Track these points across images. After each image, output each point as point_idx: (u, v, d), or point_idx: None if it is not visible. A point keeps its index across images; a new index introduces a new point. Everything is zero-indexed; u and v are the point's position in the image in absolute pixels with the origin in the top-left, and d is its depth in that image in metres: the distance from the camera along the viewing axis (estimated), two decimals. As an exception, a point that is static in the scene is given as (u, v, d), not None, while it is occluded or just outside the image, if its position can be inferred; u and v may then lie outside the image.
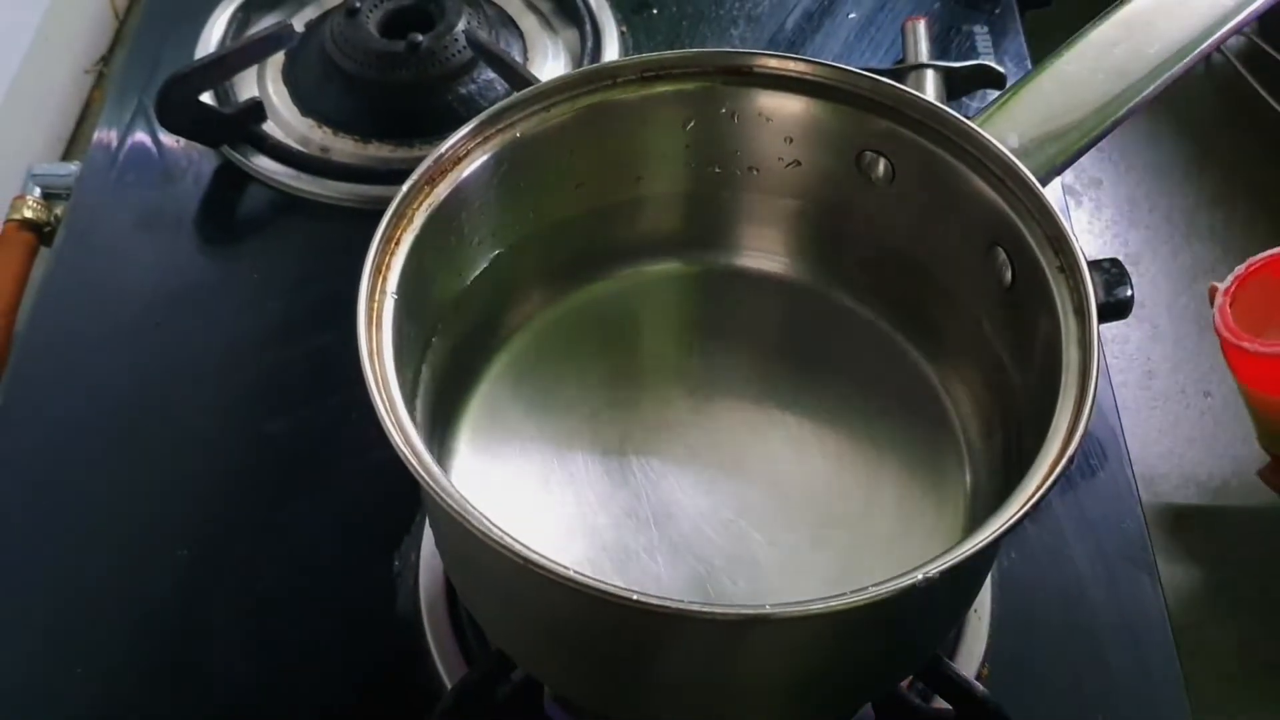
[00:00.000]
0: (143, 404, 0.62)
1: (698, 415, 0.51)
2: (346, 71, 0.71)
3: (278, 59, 0.75)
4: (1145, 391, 0.72)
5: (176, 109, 0.68)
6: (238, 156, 0.71)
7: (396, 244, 0.43)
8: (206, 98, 0.70)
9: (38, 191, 0.73)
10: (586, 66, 0.48)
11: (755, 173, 0.51)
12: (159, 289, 0.66)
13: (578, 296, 0.54)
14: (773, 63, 0.48)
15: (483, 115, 0.46)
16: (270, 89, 0.74)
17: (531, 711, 0.50)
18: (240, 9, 0.77)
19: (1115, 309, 0.65)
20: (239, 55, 0.71)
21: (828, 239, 0.53)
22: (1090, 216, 0.87)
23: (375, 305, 0.41)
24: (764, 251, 0.54)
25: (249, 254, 0.68)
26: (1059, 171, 0.48)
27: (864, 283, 0.53)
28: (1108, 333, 0.68)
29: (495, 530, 0.36)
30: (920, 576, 0.34)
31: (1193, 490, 0.64)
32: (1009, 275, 0.45)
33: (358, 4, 0.72)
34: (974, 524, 0.44)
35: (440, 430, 0.49)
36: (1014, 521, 0.36)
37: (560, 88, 0.48)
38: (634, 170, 0.52)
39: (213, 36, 0.76)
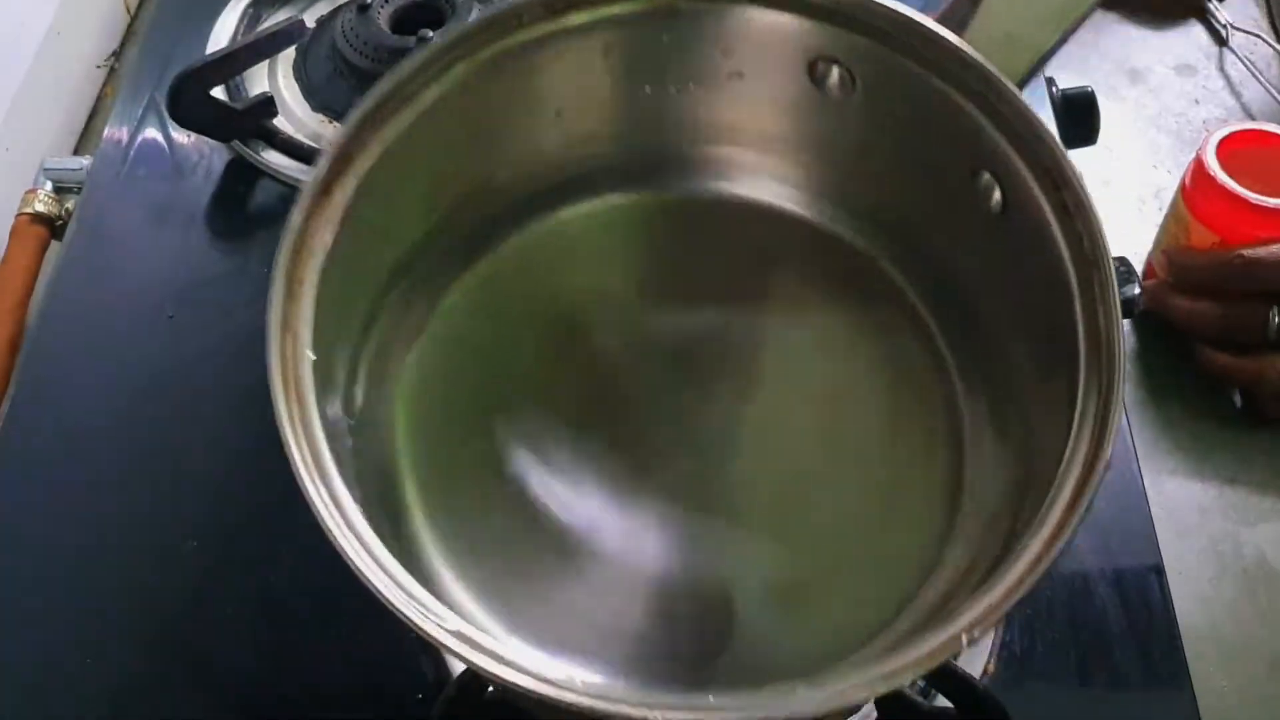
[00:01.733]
0: (153, 396, 0.62)
1: (655, 361, 0.47)
2: (358, 67, 0.71)
3: (289, 54, 0.75)
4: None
5: (188, 104, 0.68)
6: (248, 151, 0.71)
7: (300, 284, 0.38)
8: (218, 93, 0.71)
9: (49, 185, 0.73)
10: (484, 14, 0.42)
11: (692, 87, 0.46)
12: (170, 283, 0.66)
13: (510, 252, 0.49)
14: None
15: (369, 101, 0.41)
16: (281, 84, 0.74)
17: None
18: (251, 5, 0.78)
19: (1123, 307, 0.65)
20: (250, 51, 0.71)
21: (783, 158, 0.48)
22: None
23: (291, 373, 0.37)
24: (714, 176, 0.50)
25: (259, 248, 0.69)
26: (1041, 65, 0.44)
27: (832, 202, 0.48)
28: (1115, 331, 0.68)
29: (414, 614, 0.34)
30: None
31: (1199, 486, 0.64)
32: (997, 198, 0.39)
33: (369, 0, 0.72)
34: (961, 470, 0.42)
35: (384, 467, 0.45)
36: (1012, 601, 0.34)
37: (458, 42, 0.43)
38: (552, 106, 0.46)
39: (224, 32, 0.76)
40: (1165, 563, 0.56)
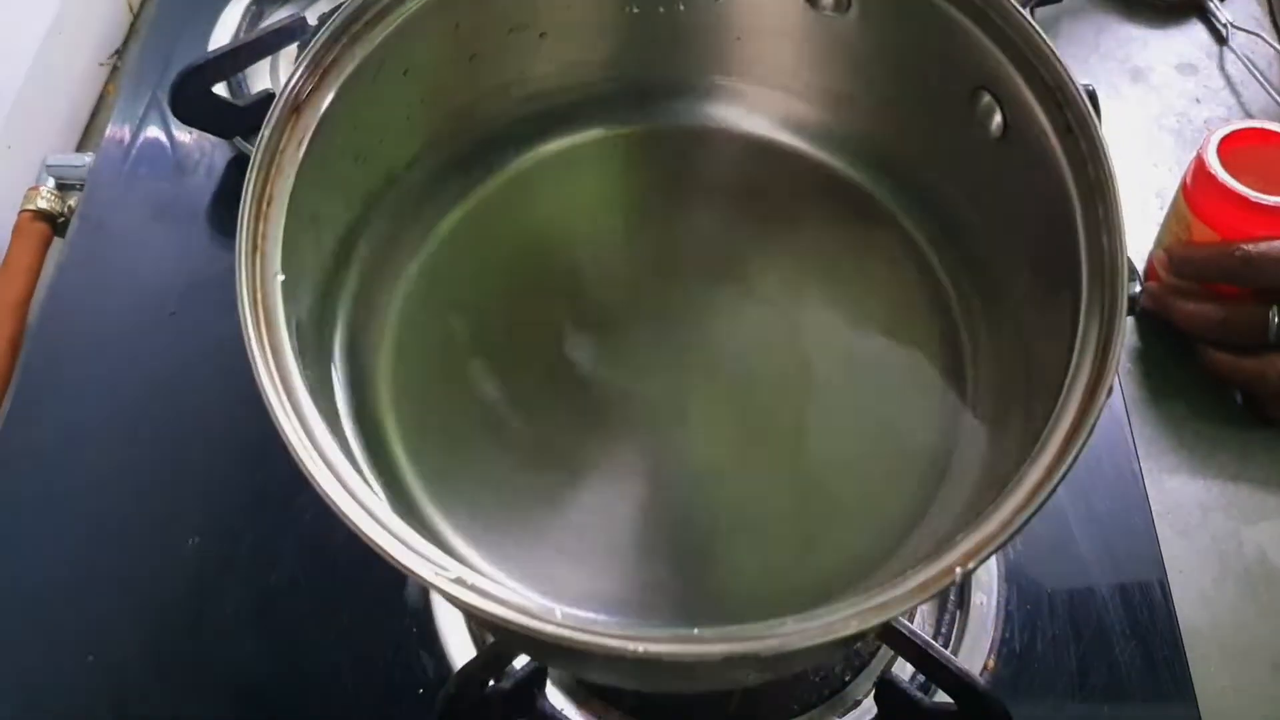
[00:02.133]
0: (156, 393, 0.62)
1: (645, 289, 0.46)
2: (359, 64, 0.71)
3: (291, 51, 0.75)
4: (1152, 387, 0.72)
5: (190, 101, 0.68)
6: (251, 148, 0.70)
7: (269, 203, 0.38)
8: (220, 90, 0.71)
9: (52, 182, 0.74)
10: None
11: (681, 8, 0.44)
12: (172, 279, 0.66)
13: (497, 184, 0.48)
14: None
15: (335, 22, 0.39)
16: (283, 81, 0.74)
17: (536, 697, 0.51)
18: (254, 2, 0.78)
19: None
20: (252, 48, 0.71)
21: (774, 87, 0.46)
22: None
23: (260, 293, 0.37)
24: (705, 105, 0.48)
25: (261, 245, 0.68)
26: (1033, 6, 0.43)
27: (826, 130, 0.46)
28: (1116, 329, 0.68)
29: (417, 563, 0.32)
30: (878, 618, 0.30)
31: (1201, 485, 0.64)
32: (998, 120, 0.37)
33: (371, -3, 0.72)
34: (962, 382, 0.40)
35: (367, 404, 0.44)
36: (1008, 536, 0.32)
37: None
38: (536, 29, 0.44)
39: (226, 29, 0.76)
40: (1166, 561, 0.56)
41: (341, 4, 0.40)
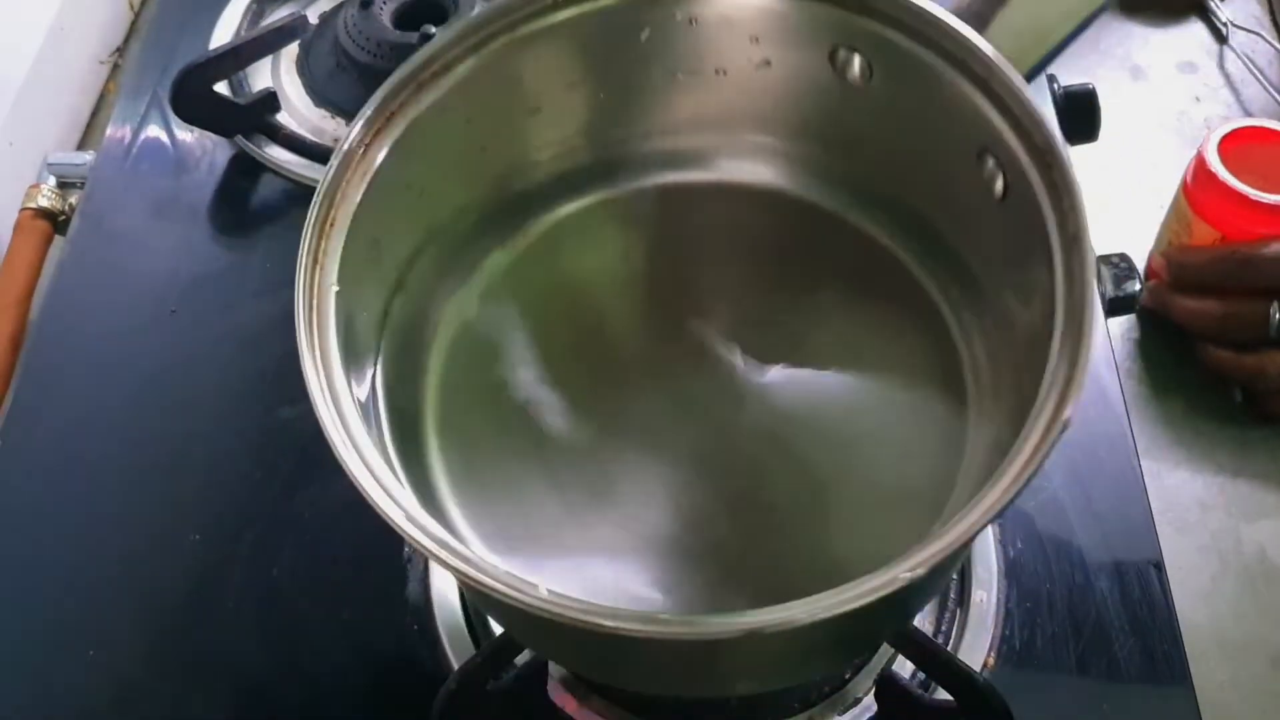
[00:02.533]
0: (157, 390, 0.62)
1: (682, 344, 0.49)
2: (360, 63, 0.72)
3: (292, 50, 0.75)
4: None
5: (191, 99, 0.69)
6: (251, 147, 0.71)
7: (331, 225, 0.41)
8: (221, 88, 0.71)
9: (53, 180, 0.74)
10: None
11: (723, 75, 0.48)
12: (173, 277, 0.67)
13: (545, 232, 0.51)
14: None
15: (406, 69, 0.43)
16: (284, 80, 0.74)
17: (536, 694, 0.51)
18: (255, 0, 0.78)
19: (1124, 303, 0.65)
20: (253, 46, 0.71)
21: (808, 145, 0.50)
22: (1099, 211, 0.86)
23: (315, 300, 0.39)
24: (738, 162, 0.51)
25: (262, 243, 0.69)
26: (1051, 60, 0.45)
27: (852, 191, 0.50)
28: (1115, 327, 0.68)
29: (437, 547, 0.34)
30: (903, 578, 0.32)
31: (1201, 482, 0.64)
32: (1000, 185, 0.41)
33: (371, -5, 0.72)
34: (973, 447, 0.43)
35: (406, 421, 0.47)
36: (1008, 501, 0.33)
37: (495, 16, 0.44)
38: (594, 90, 0.48)
39: (227, 28, 0.77)
40: (1165, 558, 0.56)
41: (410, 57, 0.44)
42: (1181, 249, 0.67)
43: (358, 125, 0.42)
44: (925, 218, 0.47)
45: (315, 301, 0.39)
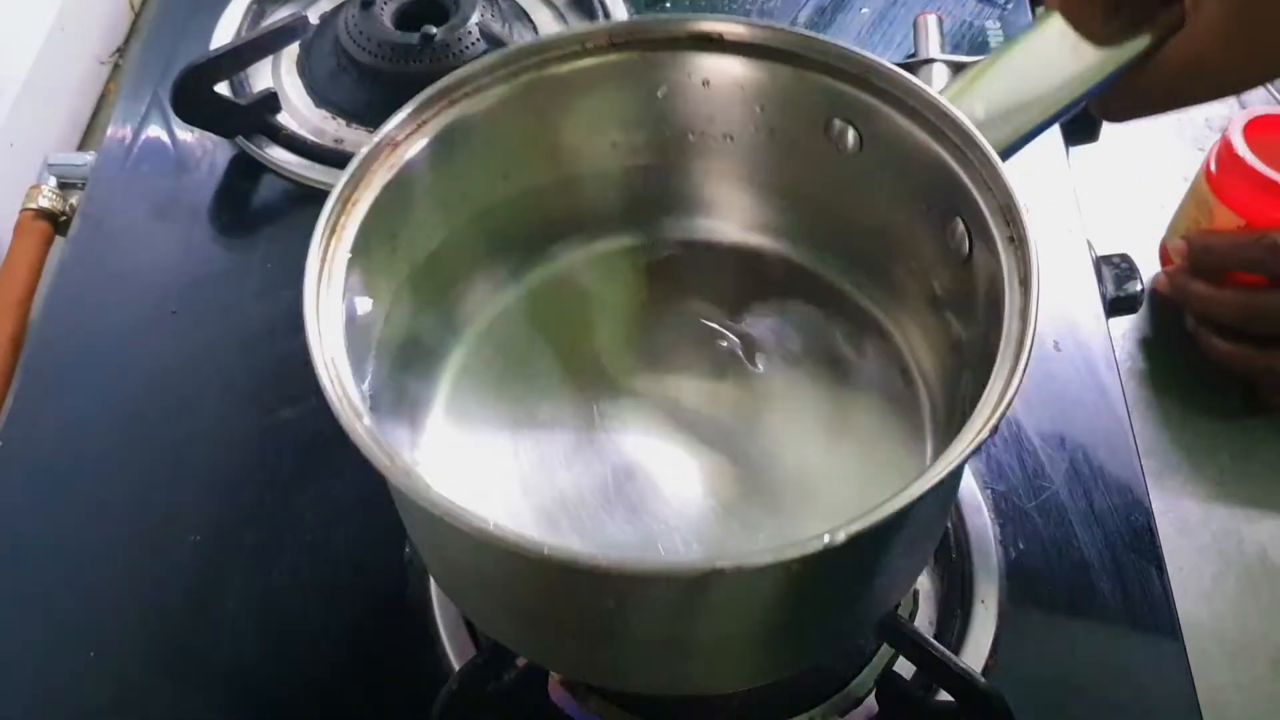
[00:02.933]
0: (157, 391, 0.62)
1: (662, 384, 0.51)
2: (361, 63, 0.72)
3: (292, 50, 0.75)
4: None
5: (191, 100, 0.69)
6: (252, 147, 0.71)
7: (353, 204, 0.43)
8: (221, 89, 0.71)
9: (53, 181, 0.74)
10: (553, 33, 0.48)
11: (730, 140, 0.51)
12: (173, 278, 0.67)
13: (546, 265, 0.54)
14: (741, 29, 0.47)
15: (443, 82, 0.46)
16: (285, 80, 0.74)
17: (536, 697, 0.51)
18: (255, 1, 0.78)
19: (1125, 304, 0.65)
20: (254, 47, 0.71)
21: (796, 207, 0.53)
22: (1100, 212, 0.87)
23: (326, 264, 0.41)
24: (732, 220, 0.54)
25: (263, 243, 0.69)
26: (1025, 142, 0.48)
27: (831, 250, 0.53)
28: (1116, 328, 0.68)
29: (425, 488, 0.35)
30: (827, 539, 0.34)
31: (1202, 483, 0.64)
32: (967, 248, 0.45)
33: (372, -4, 0.72)
34: None
35: (409, 403, 0.49)
36: (917, 496, 0.35)
37: (527, 53, 0.47)
38: (607, 138, 0.51)
39: (228, 28, 0.76)
40: (1167, 558, 0.56)
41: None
42: (1204, 232, 0.66)
43: (389, 125, 0.44)
44: (891, 271, 0.51)
45: (327, 267, 0.41)
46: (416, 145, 0.45)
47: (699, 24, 0.48)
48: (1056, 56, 0.48)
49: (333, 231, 0.42)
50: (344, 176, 0.43)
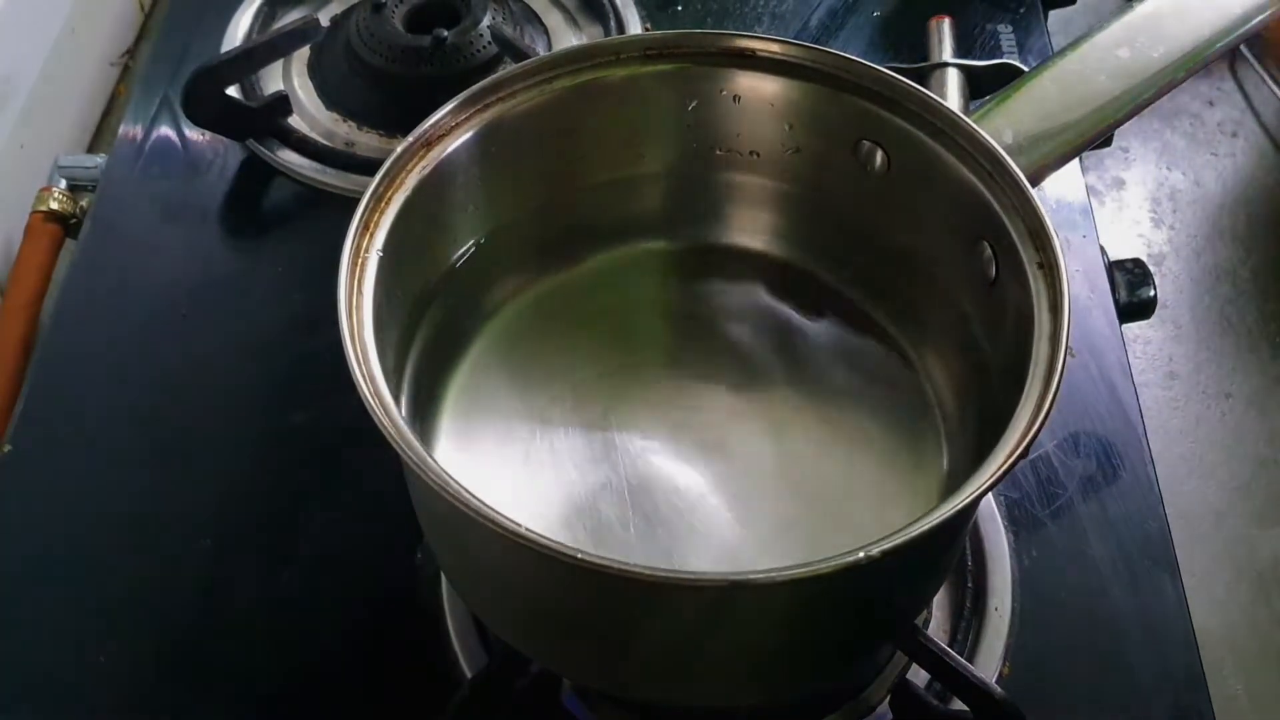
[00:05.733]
0: (168, 395, 0.62)
1: (680, 393, 0.51)
2: (372, 66, 0.71)
3: (303, 53, 0.75)
4: (1167, 392, 0.72)
5: (202, 102, 0.69)
6: (263, 150, 0.71)
7: (386, 203, 0.44)
8: (232, 91, 0.71)
9: (63, 183, 0.74)
10: (589, 41, 0.49)
11: (756, 157, 0.52)
12: (184, 281, 0.66)
13: (569, 272, 0.54)
14: (775, 47, 0.48)
15: (478, 86, 0.47)
16: (296, 83, 0.74)
17: (549, 703, 0.51)
18: (266, 3, 0.78)
19: (1138, 309, 0.65)
20: (265, 49, 0.71)
21: (820, 224, 0.53)
22: (1113, 217, 0.87)
23: (359, 261, 0.42)
24: (755, 234, 0.55)
25: (273, 247, 0.69)
26: (1052, 169, 0.48)
27: (852, 268, 0.53)
28: (1130, 333, 0.68)
29: (454, 485, 0.36)
30: (862, 555, 0.34)
31: (1215, 490, 0.64)
32: (993, 271, 0.45)
33: (384, -1, 0.72)
34: None
35: (425, 403, 0.49)
36: (954, 510, 0.36)
37: (561, 60, 0.48)
38: (636, 148, 0.52)
39: (239, 30, 0.76)
40: (1180, 566, 0.56)
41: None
42: None
43: (425, 125, 0.45)
44: (919, 298, 0.51)
45: (359, 262, 0.42)
46: (450, 146, 0.46)
47: (733, 40, 0.48)
48: (1092, 78, 0.48)
49: (366, 228, 0.42)
50: (379, 174, 0.43)
